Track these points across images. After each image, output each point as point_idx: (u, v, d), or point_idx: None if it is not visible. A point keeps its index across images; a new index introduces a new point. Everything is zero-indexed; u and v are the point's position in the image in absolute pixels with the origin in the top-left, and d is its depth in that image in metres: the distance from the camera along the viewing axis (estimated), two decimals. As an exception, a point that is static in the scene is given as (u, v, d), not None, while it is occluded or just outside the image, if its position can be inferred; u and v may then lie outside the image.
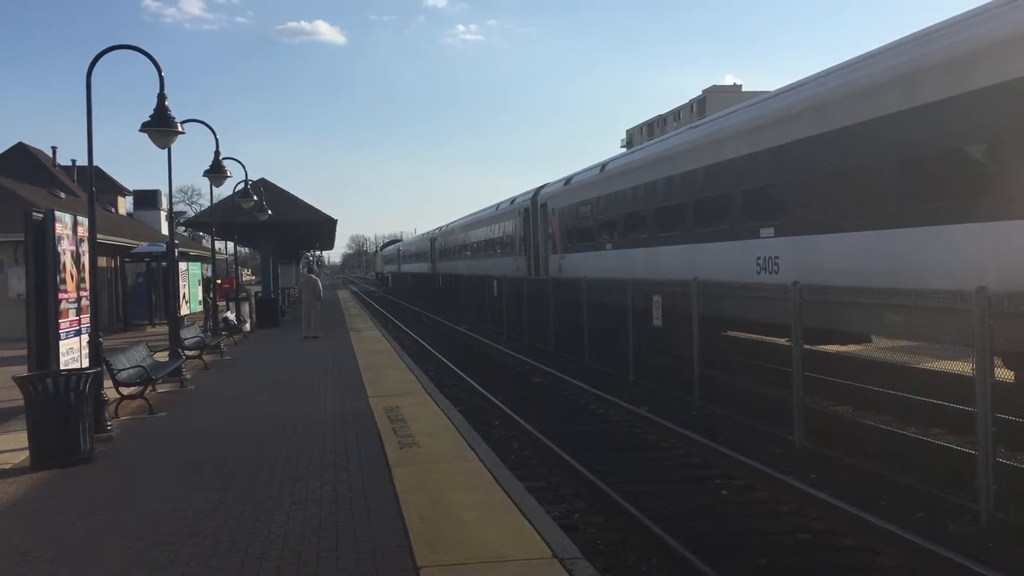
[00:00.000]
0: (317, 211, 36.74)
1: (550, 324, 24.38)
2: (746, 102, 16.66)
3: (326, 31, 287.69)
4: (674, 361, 16.94)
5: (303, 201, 36.84)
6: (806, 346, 12.30)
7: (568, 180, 26.59)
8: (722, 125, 16.53)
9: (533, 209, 29.62)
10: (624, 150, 70.07)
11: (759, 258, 14.38)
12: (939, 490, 9.23)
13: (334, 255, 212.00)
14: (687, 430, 12.60)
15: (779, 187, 13.99)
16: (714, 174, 16.05)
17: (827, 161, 12.65)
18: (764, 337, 16.87)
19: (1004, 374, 9.76)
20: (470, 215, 46.49)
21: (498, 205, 37.37)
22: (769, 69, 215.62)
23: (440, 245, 54.84)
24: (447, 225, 54.64)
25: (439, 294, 51.20)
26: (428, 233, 64.80)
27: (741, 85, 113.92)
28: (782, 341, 15.95)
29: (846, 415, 13.38)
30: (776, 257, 13.92)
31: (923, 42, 11.24)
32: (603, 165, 23.60)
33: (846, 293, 11.50)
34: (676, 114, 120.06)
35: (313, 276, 29.76)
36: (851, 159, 12.14)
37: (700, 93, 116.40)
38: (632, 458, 11.92)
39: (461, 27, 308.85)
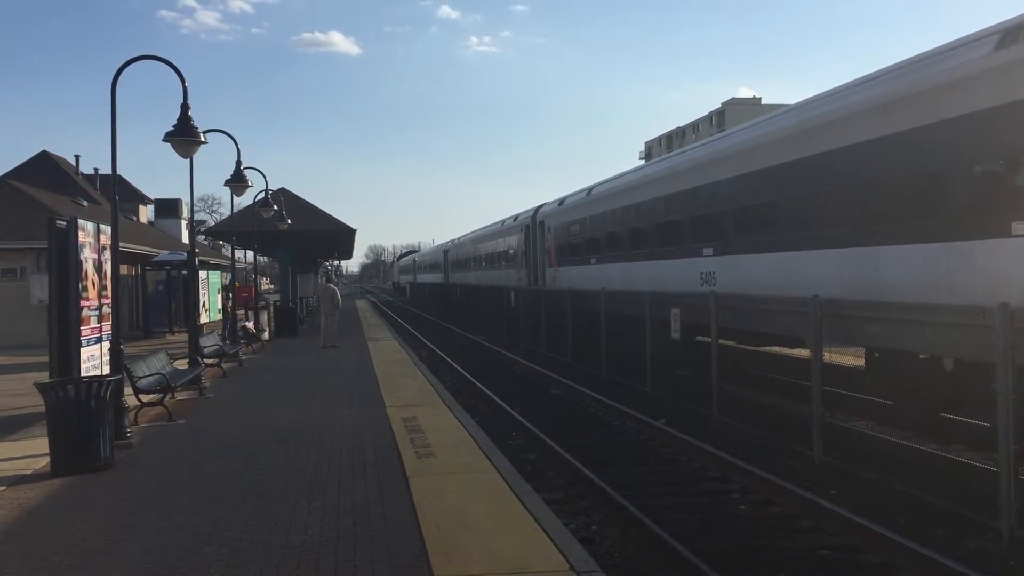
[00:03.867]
0: (336, 220, 36.92)
1: (567, 335, 24.43)
2: (697, 142, 19.66)
3: (341, 42, 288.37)
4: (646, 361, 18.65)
5: (322, 211, 37.05)
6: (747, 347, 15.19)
7: (562, 201, 29.35)
8: (678, 161, 19.87)
9: (532, 226, 32.36)
10: (642, 162, 70.31)
11: (702, 273, 17.32)
12: (960, 507, 9.14)
13: (352, 264, 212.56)
14: (705, 443, 12.55)
15: (716, 216, 16.79)
16: (672, 203, 19.08)
17: (746, 196, 15.64)
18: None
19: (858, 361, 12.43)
20: (479, 229, 49.39)
21: (503, 221, 40.24)
22: (787, 81, 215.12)
23: (452, 257, 57.51)
24: (459, 238, 57.82)
25: (456, 304, 51.43)
26: (442, 245, 68.49)
27: (761, 98, 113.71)
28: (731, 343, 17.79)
29: (865, 430, 13.29)
30: (713, 272, 16.88)
31: (800, 111, 14.71)
32: (589, 189, 26.35)
33: (865, 308, 11.46)
34: (695, 126, 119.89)
35: (331, 285, 29.85)
36: (761, 196, 15.07)
37: (720, 106, 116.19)
38: (650, 471, 11.88)
39: (475, 39, 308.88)
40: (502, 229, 39.37)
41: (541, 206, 32.34)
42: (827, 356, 12.37)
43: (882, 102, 12.03)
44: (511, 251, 36.70)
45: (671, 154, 20.93)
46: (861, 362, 15.55)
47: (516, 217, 36.67)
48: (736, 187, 15.88)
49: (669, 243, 19.04)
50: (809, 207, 13.62)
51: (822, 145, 13.23)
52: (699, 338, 16.90)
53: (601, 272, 23.54)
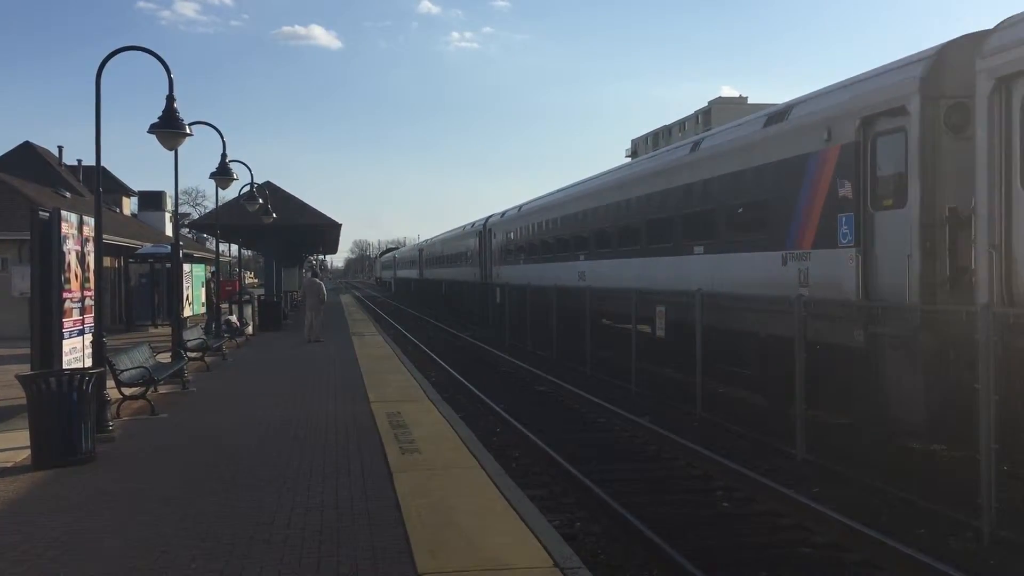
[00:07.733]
0: (321, 215, 36.74)
1: (552, 332, 24.60)
2: (583, 178, 26.89)
3: (321, 35, 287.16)
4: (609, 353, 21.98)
5: (308, 205, 36.84)
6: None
7: (503, 213, 36.90)
8: (571, 191, 26.94)
9: (484, 232, 39.42)
10: (628, 159, 71.54)
11: (579, 272, 24.23)
12: (941, 506, 9.20)
13: (337, 259, 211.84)
14: (689, 441, 12.58)
15: (586, 233, 24.19)
16: (565, 222, 26.54)
17: (601, 221, 22.83)
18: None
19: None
20: (447, 232, 57.14)
21: (464, 226, 47.53)
22: (772, 80, 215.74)
23: (426, 255, 64.82)
24: (431, 239, 66.50)
25: (440, 299, 51.73)
26: (417, 244, 79.66)
27: (747, 97, 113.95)
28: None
29: (847, 426, 13.33)
30: (584, 272, 23.81)
31: (621, 170, 23.92)
32: (520, 206, 33.68)
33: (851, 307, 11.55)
34: (681, 125, 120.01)
35: (317, 280, 29.75)
36: (604, 223, 22.40)
37: (706, 104, 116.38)
38: (633, 468, 11.90)
39: (456, 34, 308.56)
40: (463, 233, 46.84)
41: (491, 216, 39.41)
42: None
43: (657, 170, 19.47)
44: (469, 252, 43.60)
45: (572, 183, 28.12)
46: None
47: (474, 223, 44.08)
48: (596, 215, 23.20)
49: (563, 250, 26.44)
50: (624, 233, 20.76)
51: (626, 195, 20.88)
52: (604, 321, 22.46)
53: (527, 270, 30.39)
